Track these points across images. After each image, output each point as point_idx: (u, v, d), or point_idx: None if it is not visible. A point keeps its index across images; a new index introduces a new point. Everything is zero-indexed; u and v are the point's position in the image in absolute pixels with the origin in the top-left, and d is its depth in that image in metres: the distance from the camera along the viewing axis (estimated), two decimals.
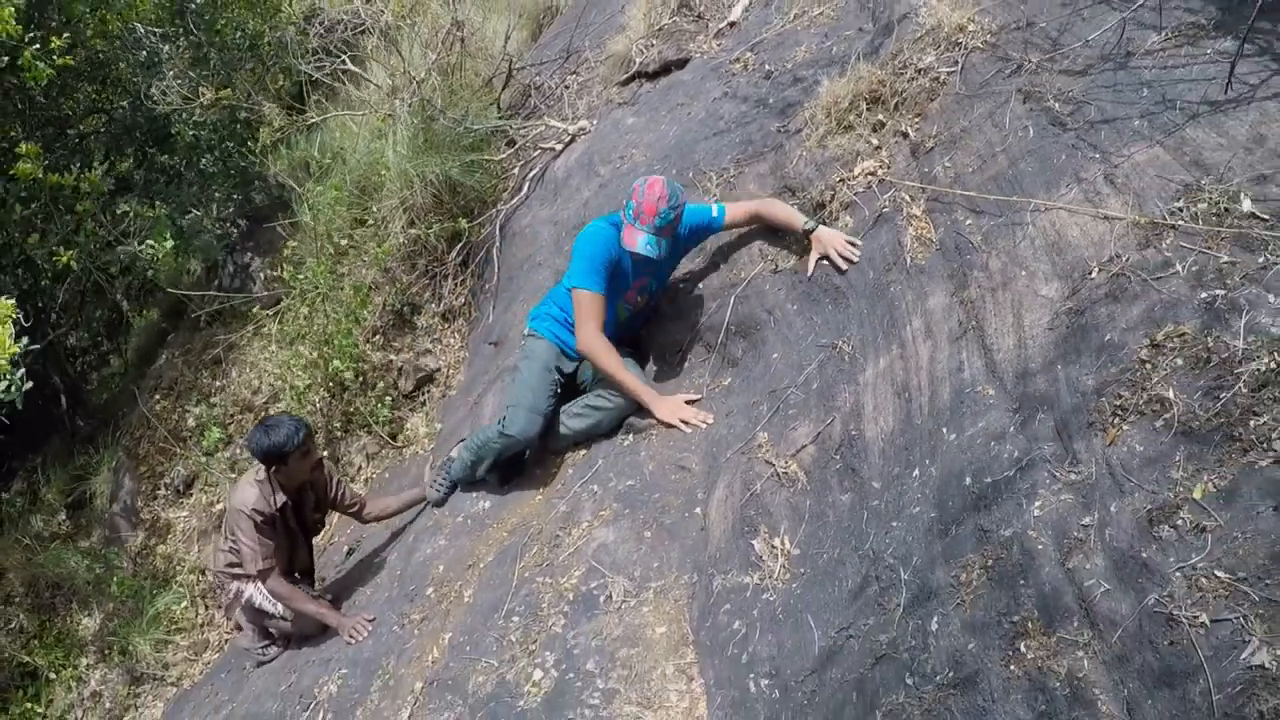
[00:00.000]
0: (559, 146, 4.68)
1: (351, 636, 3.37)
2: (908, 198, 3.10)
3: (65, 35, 4.67)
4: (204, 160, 5.23)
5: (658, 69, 4.59)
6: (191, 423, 5.17)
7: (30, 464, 5.88)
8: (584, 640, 2.83)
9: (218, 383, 5.26)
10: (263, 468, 3.47)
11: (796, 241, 3.40)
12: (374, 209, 4.67)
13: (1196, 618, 1.64)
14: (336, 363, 4.37)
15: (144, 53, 5.00)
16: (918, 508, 2.28)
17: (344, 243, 4.83)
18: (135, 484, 5.23)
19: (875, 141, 3.39)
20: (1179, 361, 1.98)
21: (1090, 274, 2.35)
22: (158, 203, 5.08)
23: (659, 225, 3.23)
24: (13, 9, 4.41)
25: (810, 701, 2.25)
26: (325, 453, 4.14)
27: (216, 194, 5.36)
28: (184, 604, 4.62)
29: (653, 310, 3.71)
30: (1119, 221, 2.38)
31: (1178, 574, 1.70)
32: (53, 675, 4.92)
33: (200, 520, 4.89)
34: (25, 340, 3.71)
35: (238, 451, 4.93)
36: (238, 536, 3.42)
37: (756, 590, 2.64)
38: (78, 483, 5.51)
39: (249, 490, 3.44)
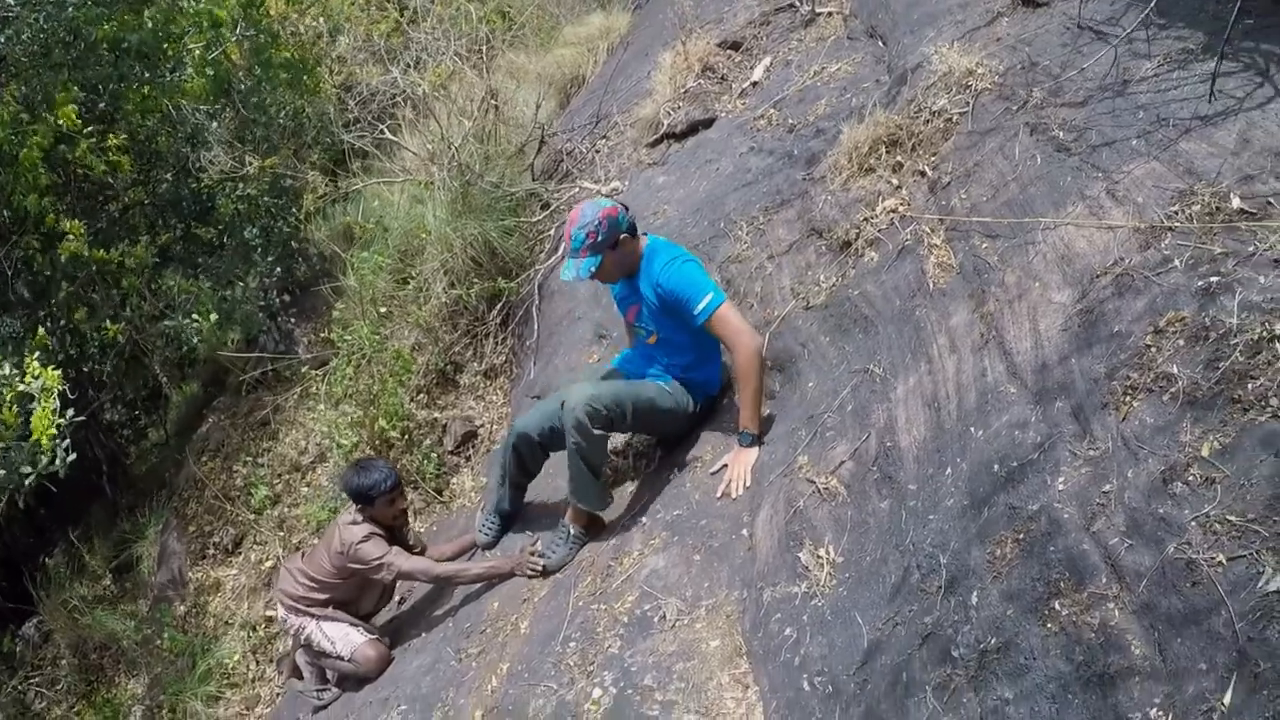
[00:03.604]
0: None
1: (531, 571, 3.61)
2: (928, 230, 3.45)
3: (124, 136, 5.20)
4: (247, 232, 5.74)
5: (685, 129, 5.05)
6: (239, 483, 5.53)
7: (71, 534, 6.23)
8: (640, 658, 3.06)
9: (265, 444, 5.63)
10: (353, 505, 3.80)
11: (826, 279, 3.75)
12: (415, 272, 5.10)
13: (1214, 559, 1.88)
14: (382, 422, 4.73)
15: (189, 127, 5.56)
16: (951, 499, 2.54)
17: (383, 310, 5.26)
18: (183, 544, 5.55)
19: (895, 181, 3.77)
20: (1180, 342, 2.26)
21: (1097, 277, 2.66)
22: (200, 277, 5.56)
23: (574, 248, 3.47)
24: (74, 107, 4.97)
25: (862, 690, 2.47)
26: None
27: (259, 266, 5.85)
28: (236, 657, 4.86)
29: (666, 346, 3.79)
30: (1121, 229, 2.70)
31: (1193, 523, 1.95)
32: None
33: (250, 578, 5.18)
34: (71, 412, 4.04)
35: (286, 509, 5.26)
36: (360, 560, 3.71)
37: (805, 598, 2.87)
38: (122, 548, 5.85)
39: (355, 527, 3.77)
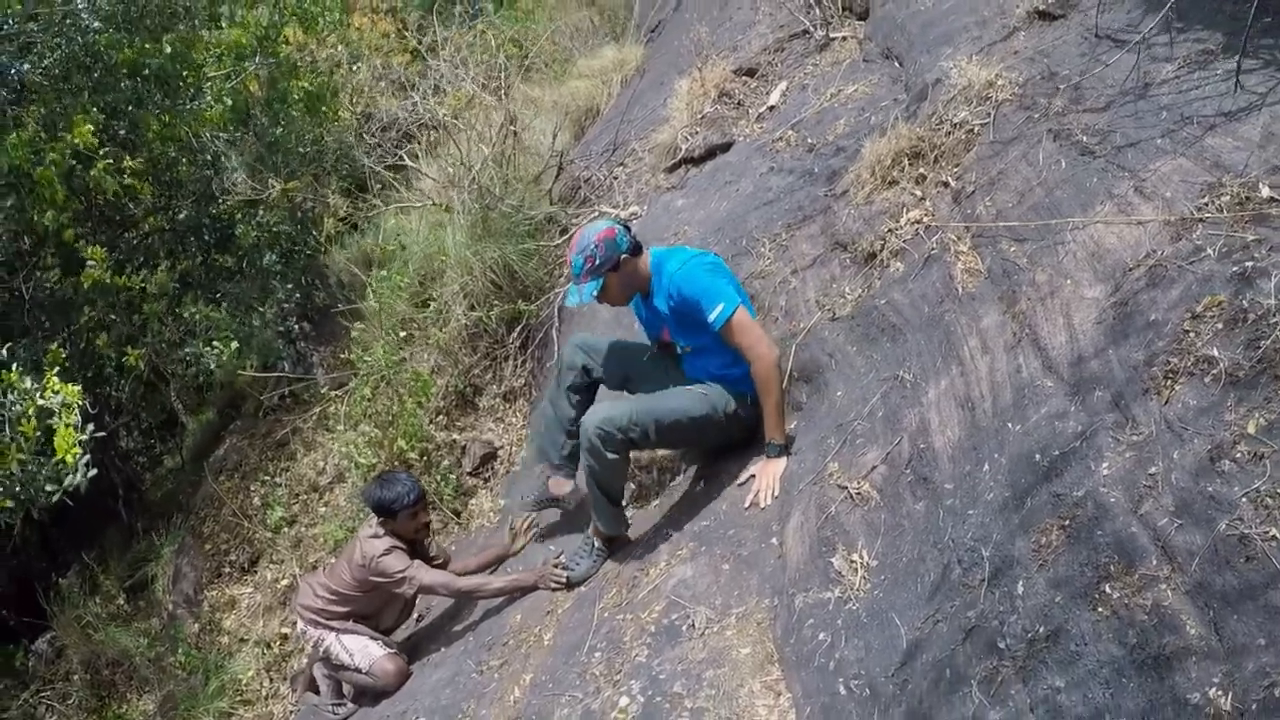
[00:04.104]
0: None
1: (554, 584, 3.59)
2: (954, 238, 3.47)
3: (139, 159, 5.30)
4: (266, 259, 5.81)
5: (703, 154, 5.12)
6: (257, 501, 5.53)
7: (86, 556, 6.22)
8: (669, 666, 3.01)
9: (283, 464, 5.64)
10: (375, 519, 3.78)
11: (851, 290, 3.76)
12: (435, 294, 5.14)
13: (1268, 533, 1.85)
14: (401, 442, 4.72)
15: (208, 154, 5.65)
16: (991, 494, 2.51)
17: (403, 334, 5.29)
18: (199, 563, 5.54)
19: (919, 193, 3.80)
20: (1219, 325, 2.26)
21: (1130, 270, 2.67)
22: (222, 305, 5.62)
23: (575, 274, 3.50)
24: (90, 127, 5.03)
25: (902, 691, 2.42)
26: None
27: (278, 293, 5.91)
28: (250, 674, 4.81)
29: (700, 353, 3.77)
30: (1151, 224, 2.72)
31: (1244, 499, 1.92)
32: None
33: (265, 596, 5.16)
34: (91, 427, 4.07)
35: (303, 529, 5.24)
36: (381, 573, 3.71)
37: (839, 602, 2.83)
38: (136, 568, 5.85)
39: (377, 540, 3.76)
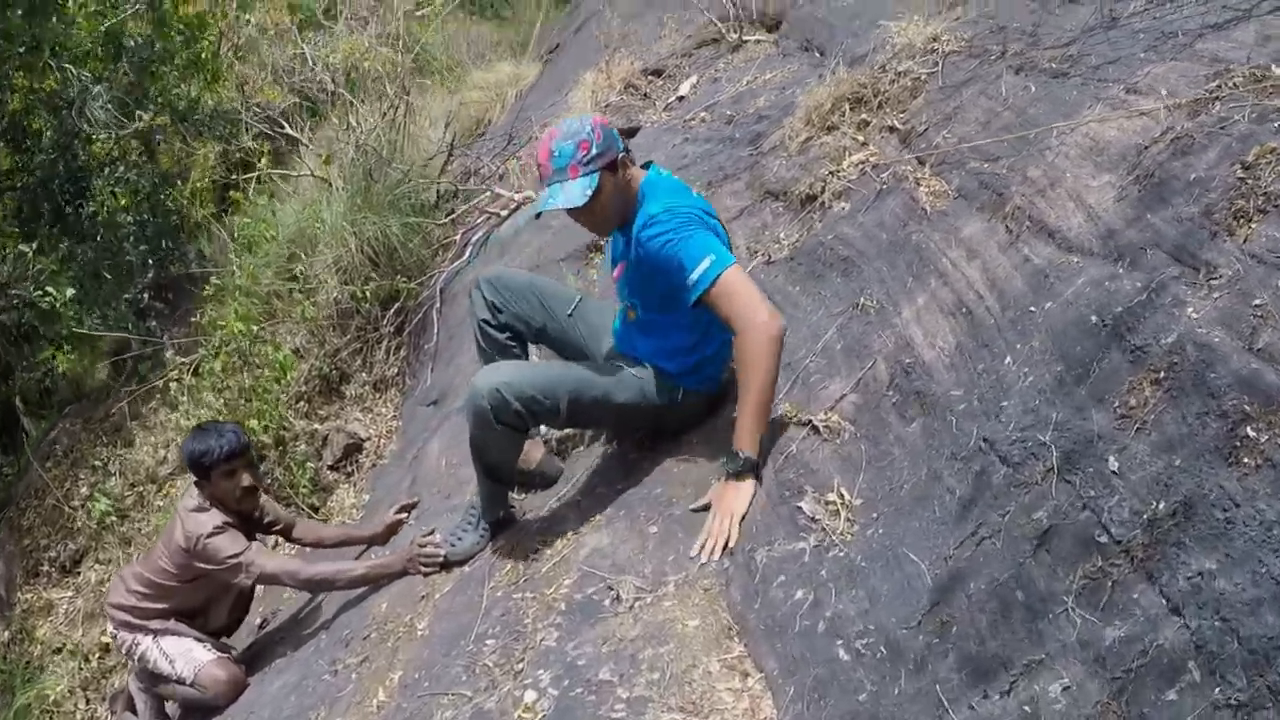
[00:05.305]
0: (504, 213, 4.42)
1: (426, 568, 2.64)
2: (909, 169, 2.94)
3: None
4: (120, 218, 4.65)
5: None
6: (85, 490, 4.27)
7: None
8: (590, 649, 2.13)
9: (119, 451, 4.39)
10: (195, 489, 2.79)
11: (788, 235, 3.17)
12: (306, 265, 4.17)
13: None
14: (253, 423, 3.67)
15: (73, 92, 4.52)
16: (1031, 378, 1.87)
17: (264, 310, 4.26)
18: (15, 560, 4.20)
19: (861, 138, 3.28)
20: None
21: (1147, 148, 2.17)
22: (62, 248, 4.42)
23: (559, 166, 2.37)
24: None
25: (943, 637, 1.67)
26: None
27: (130, 257, 4.72)
28: (60, 689, 3.52)
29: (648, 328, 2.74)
30: (1158, 111, 2.24)
31: None
32: None
33: (87, 601, 3.93)
34: None
35: (135, 527, 4.02)
36: (209, 559, 2.72)
37: (818, 551, 2.07)
38: None
39: (202, 515, 2.75)
